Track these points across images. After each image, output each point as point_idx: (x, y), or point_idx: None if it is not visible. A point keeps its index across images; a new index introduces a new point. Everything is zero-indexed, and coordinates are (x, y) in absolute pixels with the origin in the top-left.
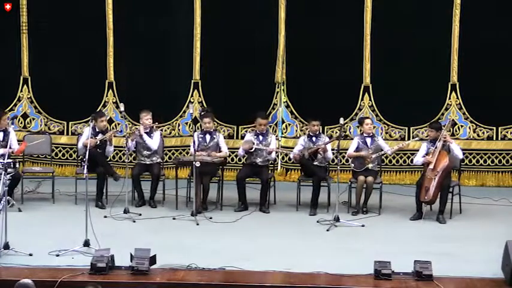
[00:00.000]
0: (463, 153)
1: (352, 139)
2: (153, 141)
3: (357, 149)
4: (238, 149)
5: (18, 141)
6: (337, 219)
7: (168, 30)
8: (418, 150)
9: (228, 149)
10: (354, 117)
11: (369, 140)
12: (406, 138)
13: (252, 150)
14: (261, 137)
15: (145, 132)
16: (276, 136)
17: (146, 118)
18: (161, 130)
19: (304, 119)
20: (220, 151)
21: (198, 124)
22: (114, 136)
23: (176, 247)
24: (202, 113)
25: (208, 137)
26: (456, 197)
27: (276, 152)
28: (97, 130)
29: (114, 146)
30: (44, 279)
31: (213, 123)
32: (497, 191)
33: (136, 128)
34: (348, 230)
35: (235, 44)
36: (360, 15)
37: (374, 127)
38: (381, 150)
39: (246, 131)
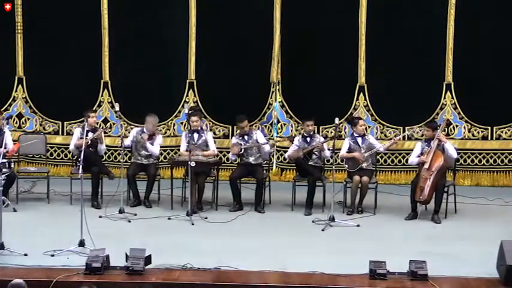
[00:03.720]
0: (458, 153)
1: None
2: (154, 148)
3: (349, 150)
4: (229, 154)
5: (13, 141)
6: (332, 219)
7: (163, 30)
8: (412, 150)
9: (224, 148)
10: (349, 117)
11: (360, 140)
12: (401, 138)
13: (241, 152)
14: (246, 137)
15: (148, 135)
16: (271, 136)
17: (153, 124)
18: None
19: (299, 119)
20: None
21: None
22: (106, 134)
23: (171, 247)
24: (190, 112)
25: (196, 135)
26: (451, 197)
27: (271, 147)
28: (87, 129)
29: (110, 146)
30: (39, 279)
31: (200, 122)
32: (492, 190)
33: (141, 138)
34: (343, 230)
35: (231, 43)
36: (355, 15)
37: (368, 126)
38: (373, 148)
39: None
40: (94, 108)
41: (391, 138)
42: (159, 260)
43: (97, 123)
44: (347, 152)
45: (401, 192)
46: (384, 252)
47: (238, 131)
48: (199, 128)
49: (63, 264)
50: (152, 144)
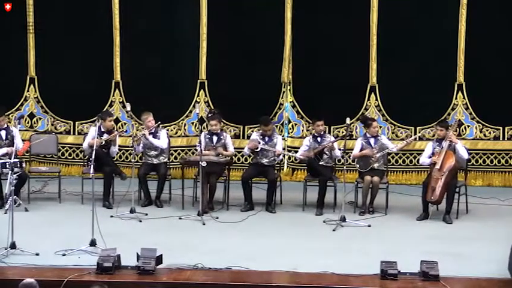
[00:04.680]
0: (469, 153)
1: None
2: (161, 141)
3: (361, 150)
4: (244, 148)
5: (23, 140)
6: (343, 219)
7: (174, 30)
8: (424, 150)
9: (234, 148)
10: (362, 117)
11: (372, 140)
12: (414, 140)
13: (257, 150)
14: (266, 138)
15: (151, 133)
16: (282, 136)
17: (148, 120)
18: (167, 130)
19: (310, 119)
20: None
21: (205, 124)
22: (120, 136)
23: (182, 247)
24: (210, 115)
25: (215, 138)
26: (463, 197)
27: (284, 156)
28: (102, 130)
29: (121, 146)
30: (51, 278)
31: (220, 125)
32: (504, 191)
33: (143, 134)
34: (354, 230)
35: (242, 43)
36: (366, 15)
37: (380, 127)
38: (385, 149)
39: (252, 131)
40: (106, 109)
41: (402, 139)
42: (170, 259)
43: (113, 126)
44: (359, 152)
45: (413, 192)
46: (395, 252)
47: (260, 130)
48: (219, 131)
49: (74, 263)
50: (158, 139)
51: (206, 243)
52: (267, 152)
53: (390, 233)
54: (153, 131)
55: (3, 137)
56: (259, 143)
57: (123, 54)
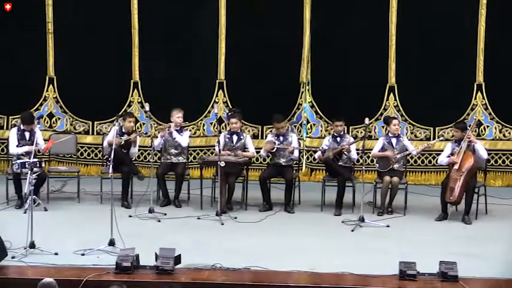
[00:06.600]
0: (489, 154)
1: (376, 139)
2: (183, 139)
3: (382, 149)
4: (261, 151)
5: (44, 140)
6: (362, 219)
7: (193, 30)
8: (443, 150)
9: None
10: (379, 117)
11: (394, 140)
12: (432, 139)
13: (273, 151)
14: (281, 138)
15: (175, 130)
16: (301, 136)
17: (178, 116)
18: (189, 130)
19: (329, 119)
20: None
21: (223, 124)
22: (140, 136)
23: (201, 247)
24: (230, 114)
25: (235, 137)
26: (482, 198)
27: (300, 152)
28: (123, 131)
29: (140, 146)
30: (70, 278)
31: (240, 124)
32: None
33: (169, 126)
34: (372, 231)
35: (260, 44)
36: (385, 15)
37: (400, 127)
38: (406, 150)
39: (270, 131)
40: (129, 111)
41: (421, 139)
42: (188, 259)
43: (133, 127)
44: (379, 152)
45: (432, 192)
46: (413, 253)
47: (274, 130)
48: (239, 131)
49: (93, 263)
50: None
51: (224, 243)
52: (284, 152)
53: (409, 233)
54: (178, 128)
55: (27, 138)
56: (275, 143)
57: (141, 55)
